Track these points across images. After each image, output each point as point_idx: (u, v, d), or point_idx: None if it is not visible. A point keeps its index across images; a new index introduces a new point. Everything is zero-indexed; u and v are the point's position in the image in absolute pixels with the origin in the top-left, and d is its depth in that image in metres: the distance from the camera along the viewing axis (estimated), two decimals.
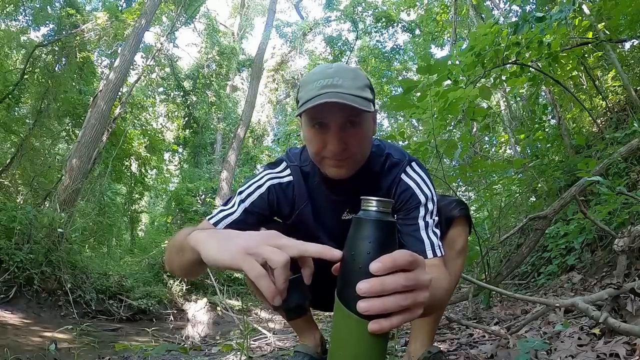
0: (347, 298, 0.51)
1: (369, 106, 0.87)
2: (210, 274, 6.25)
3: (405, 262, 0.51)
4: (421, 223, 0.99)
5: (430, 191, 1.04)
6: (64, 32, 9.76)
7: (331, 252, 0.54)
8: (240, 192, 1.09)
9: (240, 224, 1.03)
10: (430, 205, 1.02)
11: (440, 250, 0.97)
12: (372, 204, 0.53)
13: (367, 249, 0.50)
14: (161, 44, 12.03)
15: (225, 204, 1.10)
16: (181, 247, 0.77)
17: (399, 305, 0.50)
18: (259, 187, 1.08)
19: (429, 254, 0.95)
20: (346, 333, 0.51)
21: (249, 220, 1.06)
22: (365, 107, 0.85)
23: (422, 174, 1.07)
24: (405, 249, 0.98)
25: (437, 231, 1.00)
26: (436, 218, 1.02)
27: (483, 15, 7.82)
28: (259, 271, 0.54)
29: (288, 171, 1.12)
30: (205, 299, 6.67)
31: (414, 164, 1.09)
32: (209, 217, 1.07)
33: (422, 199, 1.02)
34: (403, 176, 1.06)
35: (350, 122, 0.90)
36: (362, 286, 0.49)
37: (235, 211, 1.06)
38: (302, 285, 0.57)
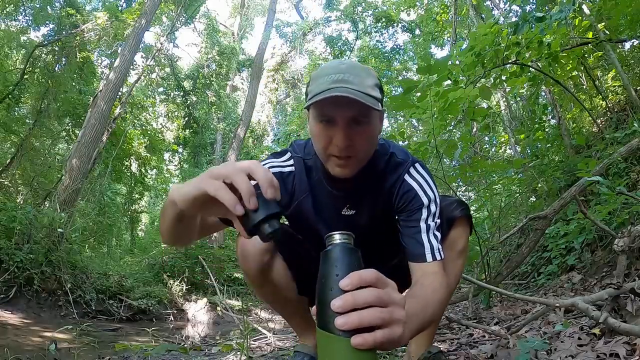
0: (325, 322, 0.52)
1: (377, 105, 0.87)
2: (210, 273, 6.26)
3: (372, 277, 0.53)
4: (422, 226, 0.99)
5: (434, 193, 1.04)
6: (64, 32, 9.76)
7: (272, 189, 0.55)
8: None
9: None
10: (432, 208, 1.02)
11: (440, 254, 0.97)
12: (334, 237, 0.56)
13: (336, 272, 0.53)
14: (161, 44, 12.03)
15: None
16: (164, 208, 0.78)
17: (377, 317, 0.51)
18: None
19: (429, 257, 0.95)
20: (333, 357, 0.51)
21: None
22: (373, 105, 0.85)
23: (426, 175, 1.07)
24: (406, 251, 0.98)
25: (438, 234, 1.00)
26: (438, 221, 1.02)
27: (483, 15, 7.82)
28: (217, 185, 0.57)
29: (291, 162, 1.12)
30: (205, 299, 6.67)
31: (417, 165, 1.08)
32: None
33: (425, 200, 1.02)
34: (406, 177, 1.06)
35: (357, 120, 0.89)
36: (336, 303, 0.50)
37: None
38: (269, 200, 0.56)
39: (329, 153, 0.94)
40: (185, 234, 0.80)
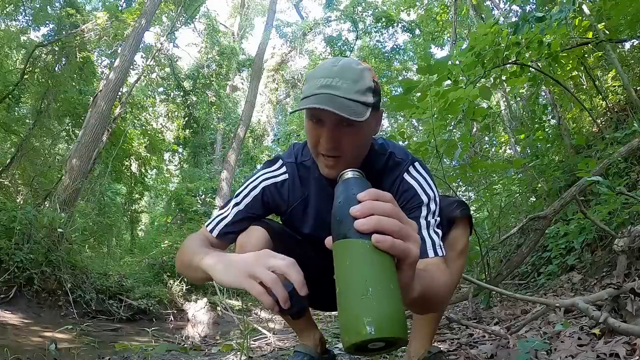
0: (344, 231, 0.52)
1: (364, 113, 0.86)
2: None
3: (389, 196, 0.54)
4: (423, 222, 0.99)
5: (433, 192, 1.03)
6: (64, 32, 9.76)
7: (303, 287, 0.63)
8: (237, 195, 1.13)
9: (234, 226, 1.10)
10: (432, 206, 1.01)
11: (442, 250, 0.96)
12: (347, 172, 0.60)
13: (353, 192, 0.55)
14: (161, 44, 12.03)
15: (223, 207, 1.15)
16: (190, 265, 0.92)
17: (395, 225, 0.52)
18: (254, 188, 1.12)
19: (430, 253, 0.94)
20: (351, 262, 0.50)
21: (242, 223, 1.10)
22: (357, 115, 0.84)
23: (425, 174, 1.07)
24: None
25: (439, 231, 1.00)
26: (438, 218, 1.02)
27: (483, 15, 7.82)
28: (258, 290, 0.66)
29: (283, 169, 1.14)
30: (205, 299, 6.66)
31: (417, 164, 1.08)
32: (207, 223, 1.13)
33: (425, 198, 1.01)
34: (406, 176, 1.05)
35: (346, 121, 0.89)
36: (355, 208, 0.52)
37: (228, 215, 1.11)
38: (299, 296, 0.65)
39: (318, 151, 0.95)
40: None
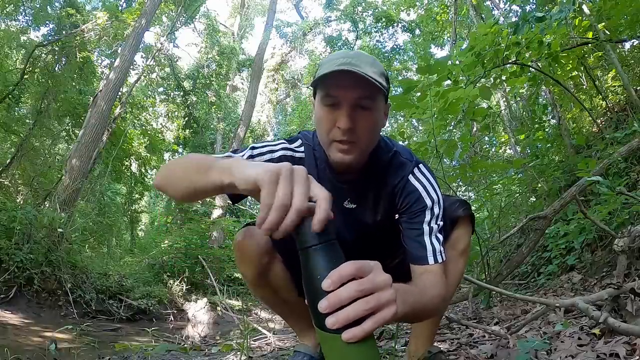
0: (318, 321, 0.53)
1: (382, 90, 0.89)
2: (210, 273, 6.25)
3: (351, 271, 0.52)
4: (425, 228, 0.99)
5: (437, 195, 1.03)
6: (64, 32, 9.76)
7: (318, 224, 0.53)
8: (253, 148, 1.06)
9: None
10: (436, 210, 1.02)
11: (442, 256, 0.97)
12: (304, 237, 0.54)
13: (316, 274, 0.53)
14: (161, 44, 12.02)
15: (235, 151, 1.07)
16: (200, 167, 0.72)
17: (363, 309, 0.51)
18: (271, 152, 1.06)
19: (430, 260, 0.95)
20: (331, 354, 0.53)
21: None
22: (379, 87, 0.87)
23: (430, 177, 1.06)
24: (407, 252, 0.98)
25: (441, 237, 1.00)
26: (441, 223, 1.02)
27: (483, 15, 7.82)
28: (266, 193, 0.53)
29: (302, 148, 1.11)
30: (205, 299, 6.67)
31: (421, 166, 1.08)
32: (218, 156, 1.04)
33: (429, 202, 1.01)
34: (410, 178, 1.05)
35: (362, 105, 0.90)
36: (322, 304, 0.51)
37: (243, 155, 1.02)
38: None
39: (331, 138, 0.94)
40: (203, 197, 0.76)
